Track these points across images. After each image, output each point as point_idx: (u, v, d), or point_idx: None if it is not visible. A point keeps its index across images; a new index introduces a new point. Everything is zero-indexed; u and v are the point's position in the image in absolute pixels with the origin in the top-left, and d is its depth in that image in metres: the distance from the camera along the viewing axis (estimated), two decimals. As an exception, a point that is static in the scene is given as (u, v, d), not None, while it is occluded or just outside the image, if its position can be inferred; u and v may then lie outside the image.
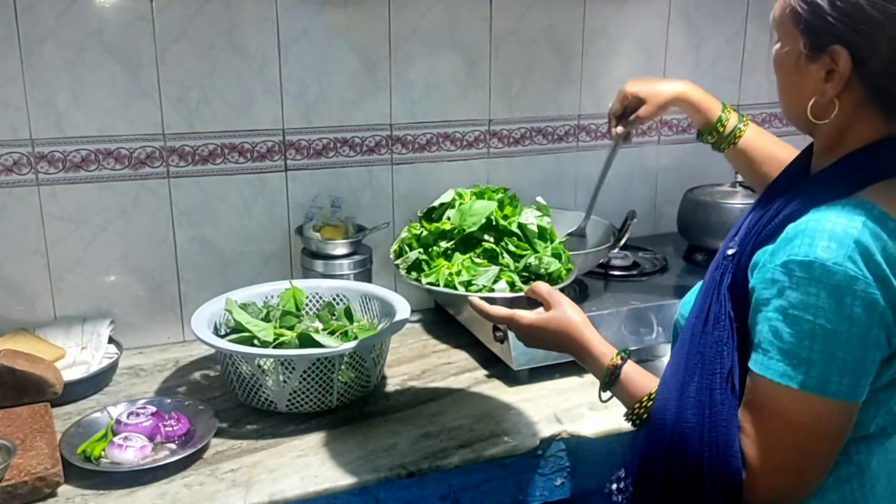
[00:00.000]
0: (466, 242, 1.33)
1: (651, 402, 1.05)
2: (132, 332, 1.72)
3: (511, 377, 1.58)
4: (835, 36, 0.93)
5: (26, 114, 1.57)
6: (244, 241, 1.78)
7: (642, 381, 1.09)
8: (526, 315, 1.19)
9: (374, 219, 1.85)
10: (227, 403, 1.49)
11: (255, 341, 1.45)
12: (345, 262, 1.75)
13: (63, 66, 1.57)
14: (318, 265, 1.74)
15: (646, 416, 1.05)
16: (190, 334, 1.76)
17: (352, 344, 1.42)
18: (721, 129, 1.43)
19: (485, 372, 1.62)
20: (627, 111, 1.49)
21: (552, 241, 1.39)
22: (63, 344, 1.60)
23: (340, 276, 1.74)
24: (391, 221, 1.88)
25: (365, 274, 1.78)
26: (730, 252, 1.04)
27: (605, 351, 1.13)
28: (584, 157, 2.05)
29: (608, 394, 1.13)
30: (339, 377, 1.42)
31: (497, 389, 1.56)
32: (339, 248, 1.75)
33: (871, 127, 0.97)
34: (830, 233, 0.90)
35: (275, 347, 1.44)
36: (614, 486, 1.09)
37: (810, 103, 0.98)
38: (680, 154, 2.16)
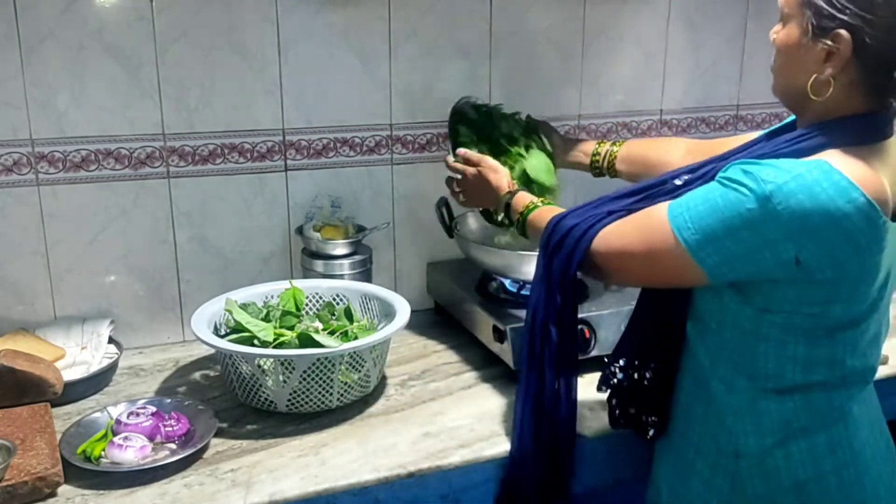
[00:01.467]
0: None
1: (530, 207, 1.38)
2: (132, 332, 1.72)
3: (511, 377, 1.58)
4: (841, 21, 1.02)
5: (26, 114, 1.57)
6: (244, 241, 1.78)
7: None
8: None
9: (374, 219, 1.85)
10: (227, 403, 1.49)
11: (255, 341, 1.45)
12: (345, 262, 1.75)
13: (63, 66, 1.57)
14: (318, 265, 1.74)
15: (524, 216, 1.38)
16: (190, 334, 1.76)
17: (352, 344, 1.42)
18: (596, 162, 1.66)
19: (485, 372, 1.62)
20: None
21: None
22: (63, 344, 1.60)
23: (340, 276, 1.74)
24: (391, 221, 1.88)
25: (365, 274, 1.78)
26: (677, 182, 1.18)
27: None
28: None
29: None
30: (340, 377, 1.42)
31: (497, 389, 1.56)
32: (339, 248, 1.75)
33: (856, 103, 1.07)
34: (777, 165, 1.02)
35: (275, 347, 1.43)
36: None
37: (810, 80, 1.06)
38: (680, 154, 2.16)
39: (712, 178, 1.10)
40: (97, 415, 1.40)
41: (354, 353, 1.43)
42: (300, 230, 1.78)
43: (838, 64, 1.04)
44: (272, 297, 1.64)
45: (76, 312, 1.69)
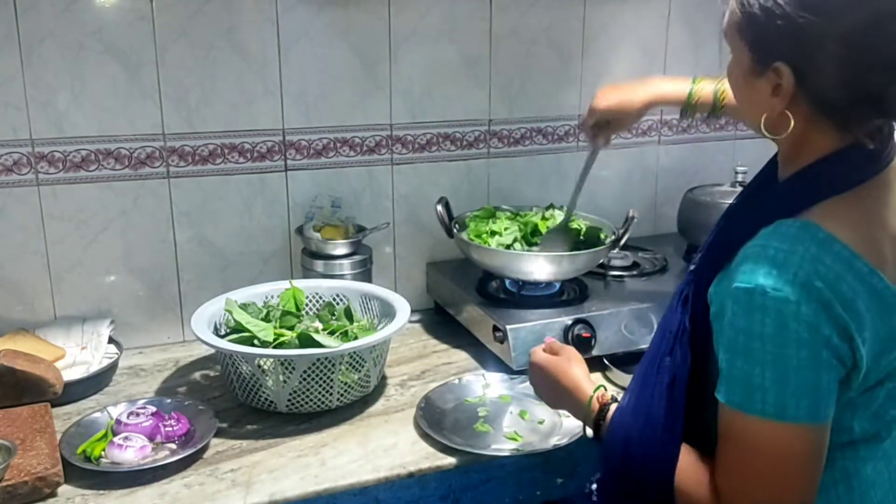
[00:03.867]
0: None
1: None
2: (132, 332, 1.72)
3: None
4: (776, 52, 0.93)
5: (26, 114, 1.57)
6: (244, 241, 1.78)
7: None
8: (539, 352, 1.26)
9: (374, 219, 1.85)
10: (227, 403, 1.49)
11: (255, 341, 1.45)
12: (345, 262, 1.75)
13: (63, 66, 1.57)
14: (318, 265, 1.74)
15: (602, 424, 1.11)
16: (190, 334, 1.76)
17: (352, 344, 1.42)
18: (694, 103, 1.49)
19: (485, 372, 1.62)
20: (601, 122, 1.58)
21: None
22: (63, 344, 1.60)
23: (340, 276, 1.74)
24: (391, 221, 1.88)
25: (365, 274, 1.78)
26: (692, 268, 1.07)
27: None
28: (584, 157, 2.04)
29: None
30: (340, 377, 1.42)
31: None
32: (339, 248, 1.75)
33: (826, 139, 0.96)
34: (773, 259, 0.90)
35: (275, 347, 1.43)
36: (593, 486, 1.12)
37: (762, 118, 0.97)
38: (680, 154, 2.16)
39: (711, 271, 0.99)
40: (97, 415, 1.40)
41: (354, 353, 1.43)
42: (300, 230, 1.78)
43: (784, 99, 0.94)
44: (272, 297, 1.64)
45: (76, 312, 1.69)
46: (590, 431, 1.16)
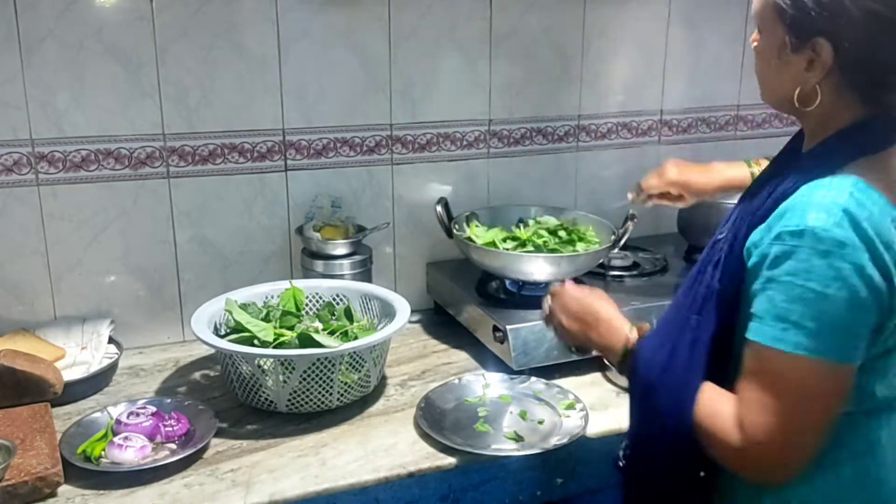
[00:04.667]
0: None
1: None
2: (132, 332, 1.72)
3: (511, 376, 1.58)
4: (817, 28, 0.98)
5: (26, 114, 1.57)
6: (244, 241, 1.78)
7: None
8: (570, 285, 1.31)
9: (374, 219, 1.85)
10: (227, 403, 1.49)
11: (255, 341, 1.45)
12: (345, 262, 1.75)
13: (63, 66, 1.57)
14: (318, 265, 1.74)
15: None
16: (190, 334, 1.76)
17: (352, 344, 1.42)
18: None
19: (485, 372, 1.62)
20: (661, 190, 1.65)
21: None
22: (63, 344, 1.60)
23: (340, 276, 1.74)
24: (391, 221, 1.88)
25: (365, 274, 1.78)
26: (719, 237, 1.10)
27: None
28: (584, 157, 2.05)
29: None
30: (340, 377, 1.42)
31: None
32: (339, 248, 1.75)
33: (852, 110, 1.03)
34: (819, 204, 0.95)
35: (275, 347, 1.44)
36: (620, 452, 1.20)
37: (796, 92, 1.03)
38: (680, 154, 2.15)
39: (747, 229, 1.03)
40: (97, 415, 1.40)
41: (354, 353, 1.43)
42: (300, 230, 1.78)
43: (821, 72, 1.00)
44: (272, 297, 1.64)
45: (76, 312, 1.69)
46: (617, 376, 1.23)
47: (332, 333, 1.49)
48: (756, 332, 0.98)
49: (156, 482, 1.25)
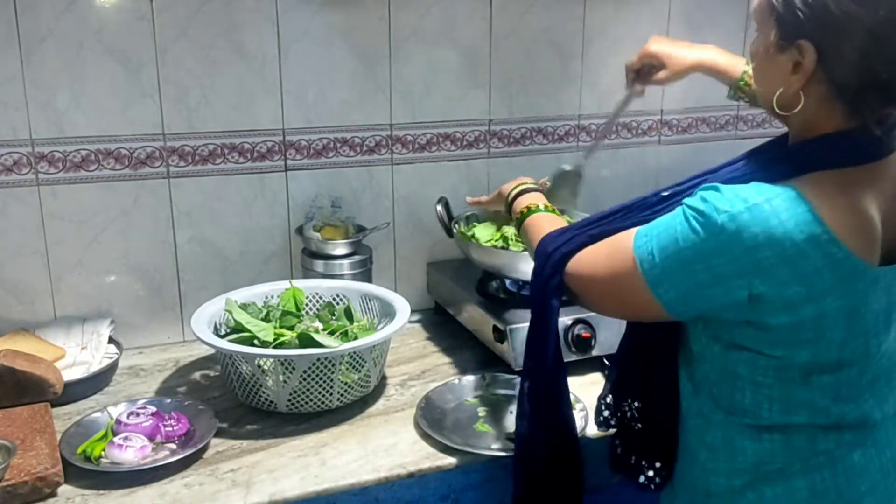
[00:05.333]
0: None
1: (528, 210, 1.33)
2: (132, 332, 1.72)
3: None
4: (803, 31, 0.96)
5: (26, 114, 1.57)
6: (244, 241, 1.78)
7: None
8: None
9: (374, 219, 1.85)
10: (227, 403, 1.49)
11: (255, 341, 1.45)
12: (345, 262, 1.75)
13: (63, 66, 1.57)
14: (318, 265, 1.74)
15: (521, 218, 1.33)
16: (190, 334, 1.76)
17: (352, 344, 1.42)
18: (745, 83, 1.50)
19: (485, 372, 1.62)
20: (645, 68, 1.57)
21: None
22: (63, 344, 1.60)
23: (340, 276, 1.74)
24: (391, 221, 1.88)
25: (365, 274, 1.78)
26: (664, 194, 1.13)
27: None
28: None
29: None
30: (340, 377, 1.42)
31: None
32: (339, 248, 1.75)
33: (834, 121, 1.00)
34: (735, 192, 0.96)
35: (275, 347, 1.43)
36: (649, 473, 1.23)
37: (776, 94, 1.01)
38: (680, 154, 2.16)
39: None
40: (97, 415, 1.40)
41: (354, 353, 1.43)
42: (300, 230, 1.78)
43: (803, 76, 0.97)
44: (272, 297, 1.64)
45: (76, 312, 1.69)
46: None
47: (332, 333, 1.49)
48: (643, 226, 1.06)
49: (156, 482, 1.25)
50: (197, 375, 1.62)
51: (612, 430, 1.28)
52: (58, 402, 1.46)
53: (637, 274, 1.02)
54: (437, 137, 1.89)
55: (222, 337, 1.48)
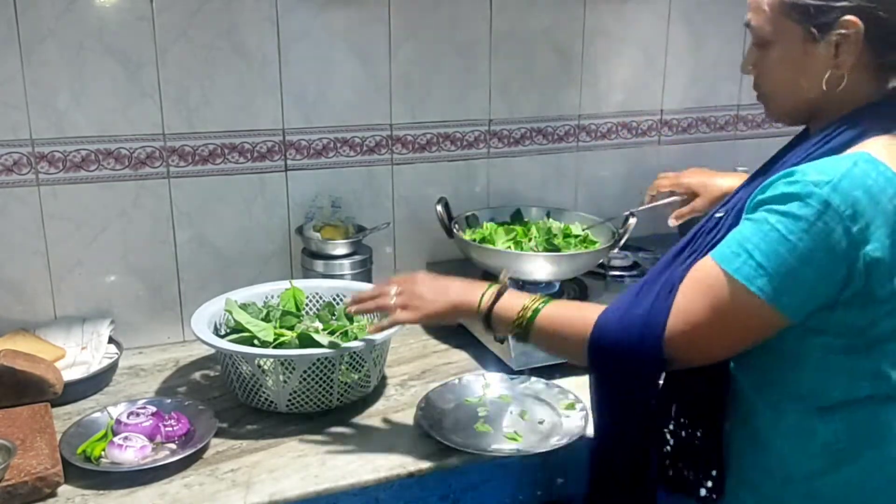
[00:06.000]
0: None
1: (534, 309, 1.16)
2: (132, 332, 1.72)
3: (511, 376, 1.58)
4: (839, 7, 0.99)
5: (26, 114, 1.57)
6: (244, 241, 1.78)
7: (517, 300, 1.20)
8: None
9: (374, 219, 1.85)
10: (227, 403, 1.49)
11: (255, 341, 1.45)
12: (345, 262, 1.74)
13: (63, 66, 1.57)
14: (318, 265, 1.74)
15: (529, 321, 1.16)
16: (190, 334, 1.76)
17: (352, 344, 1.42)
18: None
19: (485, 372, 1.62)
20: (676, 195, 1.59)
21: None
22: (63, 344, 1.60)
23: (340, 276, 1.74)
24: (391, 221, 1.88)
25: (365, 274, 1.78)
26: (718, 215, 1.10)
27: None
28: (584, 157, 2.05)
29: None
30: (340, 377, 1.42)
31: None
32: (339, 248, 1.75)
33: (867, 90, 1.04)
34: (818, 166, 0.96)
35: (275, 347, 1.43)
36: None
37: (825, 77, 1.02)
38: (680, 154, 2.16)
39: (744, 204, 1.03)
40: (97, 415, 1.40)
41: (354, 353, 1.43)
42: (300, 230, 1.78)
43: (853, 49, 1.00)
44: (272, 297, 1.63)
45: (76, 312, 1.69)
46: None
47: (332, 333, 1.48)
48: (715, 250, 1.01)
49: (156, 482, 1.25)
50: (197, 375, 1.62)
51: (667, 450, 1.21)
52: (58, 402, 1.45)
53: (749, 297, 0.96)
54: (437, 137, 1.89)
55: (222, 337, 1.48)
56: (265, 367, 1.42)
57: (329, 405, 1.45)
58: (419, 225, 1.91)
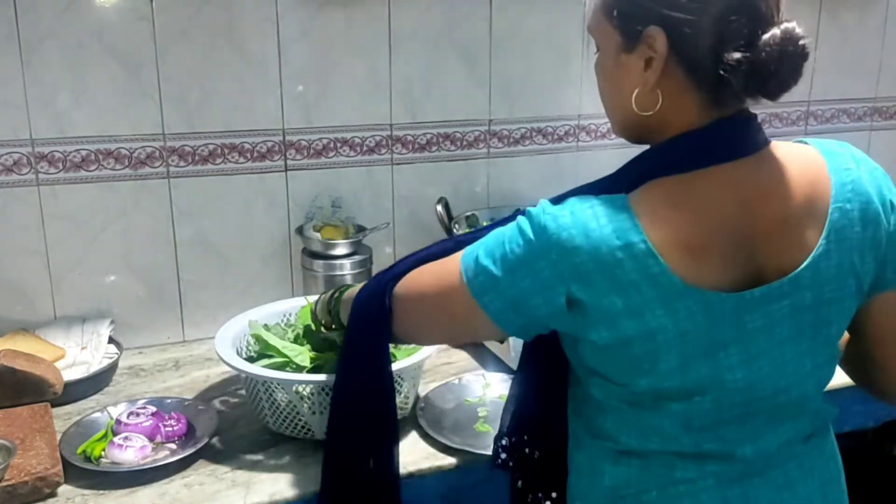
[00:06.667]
0: None
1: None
2: (132, 332, 1.72)
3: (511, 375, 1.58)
4: (647, 17, 0.88)
5: (26, 114, 1.57)
6: (244, 241, 1.78)
7: None
8: None
9: (374, 219, 1.85)
10: (226, 403, 1.49)
11: (290, 366, 1.35)
12: (345, 262, 1.74)
13: (63, 66, 1.57)
14: (318, 265, 1.74)
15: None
16: (190, 334, 1.76)
17: (398, 365, 1.30)
18: None
19: (485, 372, 1.62)
20: None
21: None
22: (63, 344, 1.60)
23: (341, 277, 1.73)
24: (391, 221, 1.88)
25: (365, 274, 1.78)
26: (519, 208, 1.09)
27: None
28: (584, 157, 2.05)
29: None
30: None
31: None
32: (340, 248, 1.75)
33: (689, 116, 0.91)
34: (561, 198, 0.92)
35: (310, 371, 1.35)
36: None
37: (633, 95, 0.92)
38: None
39: None
40: (97, 415, 1.40)
41: (397, 375, 1.32)
42: (300, 230, 1.78)
43: (658, 66, 0.89)
44: (290, 314, 1.54)
45: (76, 312, 1.69)
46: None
47: None
48: (470, 248, 0.99)
49: (156, 482, 1.25)
50: (197, 375, 1.62)
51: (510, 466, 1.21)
52: (58, 402, 1.46)
53: (462, 285, 0.95)
54: (437, 137, 1.89)
55: (250, 360, 1.40)
56: (304, 394, 1.33)
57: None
58: (419, 225, 1.91)
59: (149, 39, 1.61)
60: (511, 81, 1.93)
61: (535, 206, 0.92)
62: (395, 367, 1.28)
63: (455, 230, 1.75)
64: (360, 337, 1.11)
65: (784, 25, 0.86)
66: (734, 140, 0.91)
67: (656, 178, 0.89)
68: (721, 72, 0.86)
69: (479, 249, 0.95)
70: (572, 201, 0.90)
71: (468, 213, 1.85)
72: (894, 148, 2.32)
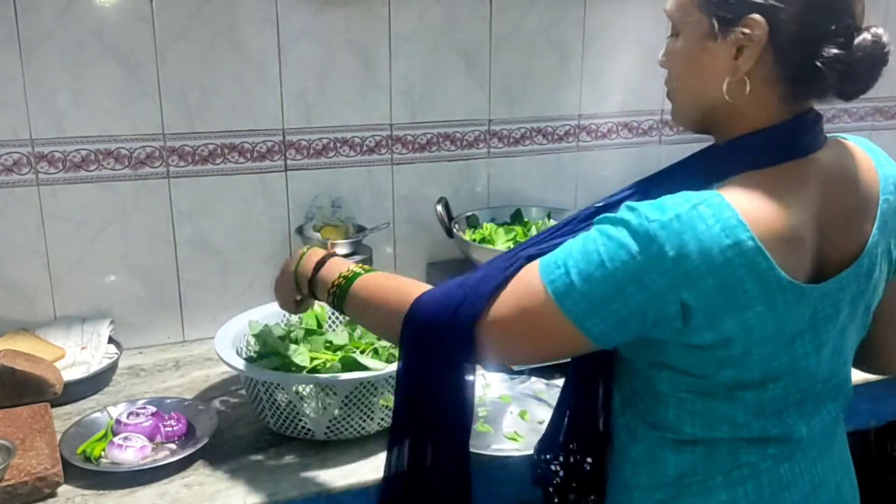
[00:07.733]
0: None
1: (355, 272, 1.11)
2: (132, 332, 1.72)
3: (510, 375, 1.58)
4: (748, 5, 0.89)
5: (26, 114, 1.57)
6: (244, 241, 1.78)
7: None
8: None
9: (374, 219, 1.85)
10: (226, 403, 1.49)
11: (292, 367, 1.35)
12: (345, 262, 1.74)
13: (63, 66, 1.57)
14: (318, 265, 1.74)
15: (347, 285, 1.10)
16: (190, 334, 1.76)
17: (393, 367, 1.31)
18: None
19: (485, 372, 1.61)
20: None
21: None
22: (63, 344, 1.60)
23: (340, 276, 1.73)
24: (391, 221, 1.88)
25: (365, 274, 1.77)
26: (599, 205, 1.03)
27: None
28: (584, 157, 2.05)
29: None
30: (382, 401, 1.35)
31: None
32: (339, 248, 1.75)
33: (769, 110, 0.93)
34: (658, 203, 0.88)
35: (310, 372, 1.35)
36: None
37: (725, 82, 0.92)
38: (680, 154, 2.15)
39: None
40: (97, 415, 1.40)
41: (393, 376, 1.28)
42: (300, 230, 1.78)
43: (753, 54, 0.89)
44: (290, 314, 1.50)
45: (76, 312, 1.69)
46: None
47: (362, 352, 1.40)
48: (546, 255, 0.94)
49: (156, 482, 1.25)
50: (197, 375, 1.62)
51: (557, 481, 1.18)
52: (58, 402, 1.46)
53: (556, 313, 0.90)
54: (437, 137, 1.89)
55: (250, 360, 1.40)
56: (304, 394, 1.33)
57: (369, 431, 1.36)
58: (419, 225, 1.91)
59: (149, 39, 1.61)
60: (511, 81, 1.93)
61: (618, 213, 0.90)
62: (387, 369, 1.31)
63: (455, 230, 1.75)
64: (436, 363, 1.03)
65: (874, 30, 0.90)
66: (813, 135, 0.94)
67: (745, 172, 0.91)
68: (818, 64, 0.88)
69: (572, 271, 0.90)
70: (670, 203, 0.87)
71: (468, 213, 1.85)
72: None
